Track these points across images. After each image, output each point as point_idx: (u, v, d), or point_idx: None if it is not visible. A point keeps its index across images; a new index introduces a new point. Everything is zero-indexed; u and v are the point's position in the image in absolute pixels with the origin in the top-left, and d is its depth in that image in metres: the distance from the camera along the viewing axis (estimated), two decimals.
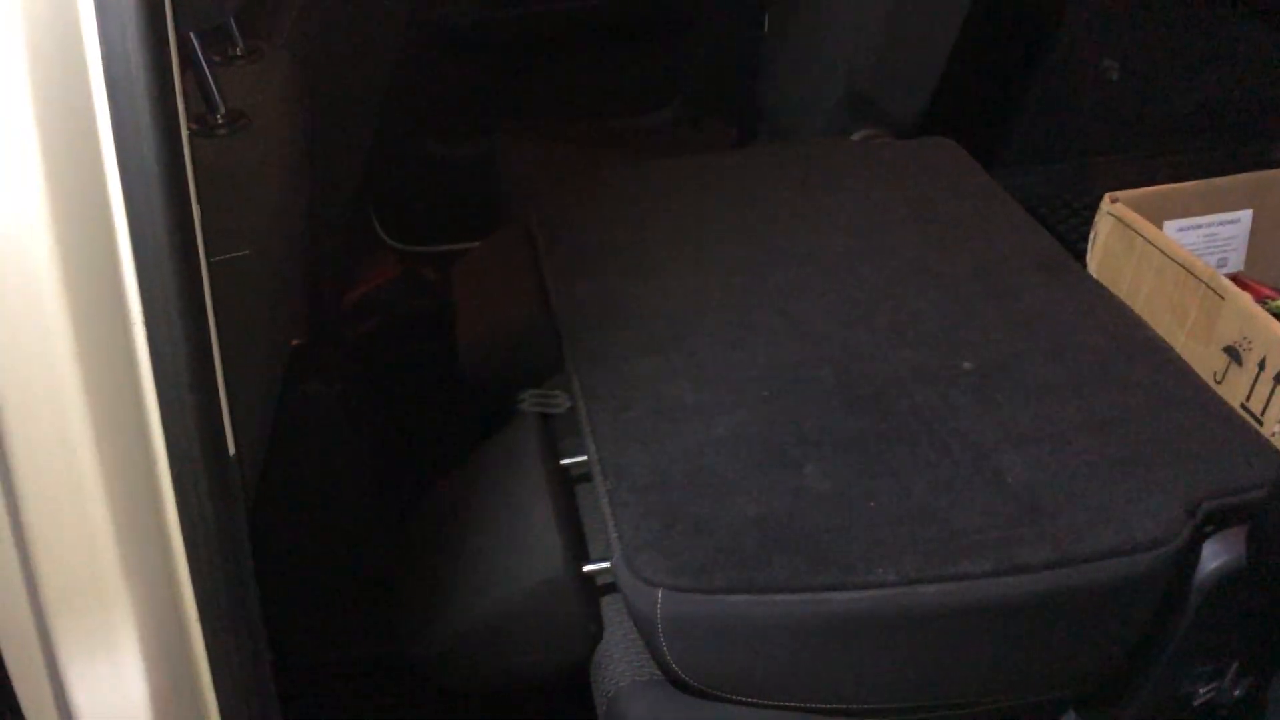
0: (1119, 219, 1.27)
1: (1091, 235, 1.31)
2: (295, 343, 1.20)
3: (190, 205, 0.54)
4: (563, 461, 1.17)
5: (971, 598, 0.92)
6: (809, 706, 0.97)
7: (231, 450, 0.60)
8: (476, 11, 1.93)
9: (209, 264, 0.61)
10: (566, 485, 1.15)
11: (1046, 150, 2.02)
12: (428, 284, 1.92)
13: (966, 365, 1.15)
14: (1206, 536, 0.97)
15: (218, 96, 1.09)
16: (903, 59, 1.67)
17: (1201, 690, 1.01)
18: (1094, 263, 1.31)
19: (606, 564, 1.01)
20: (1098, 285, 1.27)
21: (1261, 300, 1.21)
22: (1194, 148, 1.99)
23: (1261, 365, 1.08)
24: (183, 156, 0.53)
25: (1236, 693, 0.97)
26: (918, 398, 1.10)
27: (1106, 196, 1.29)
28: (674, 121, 2.09)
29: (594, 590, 1.06)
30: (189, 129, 1.07)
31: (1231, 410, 1.08)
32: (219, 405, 0.57)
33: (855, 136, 1.72)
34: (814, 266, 1.31)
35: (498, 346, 1.34)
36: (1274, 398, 1.07)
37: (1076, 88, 1.99)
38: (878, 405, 1.09)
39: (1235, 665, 0.99)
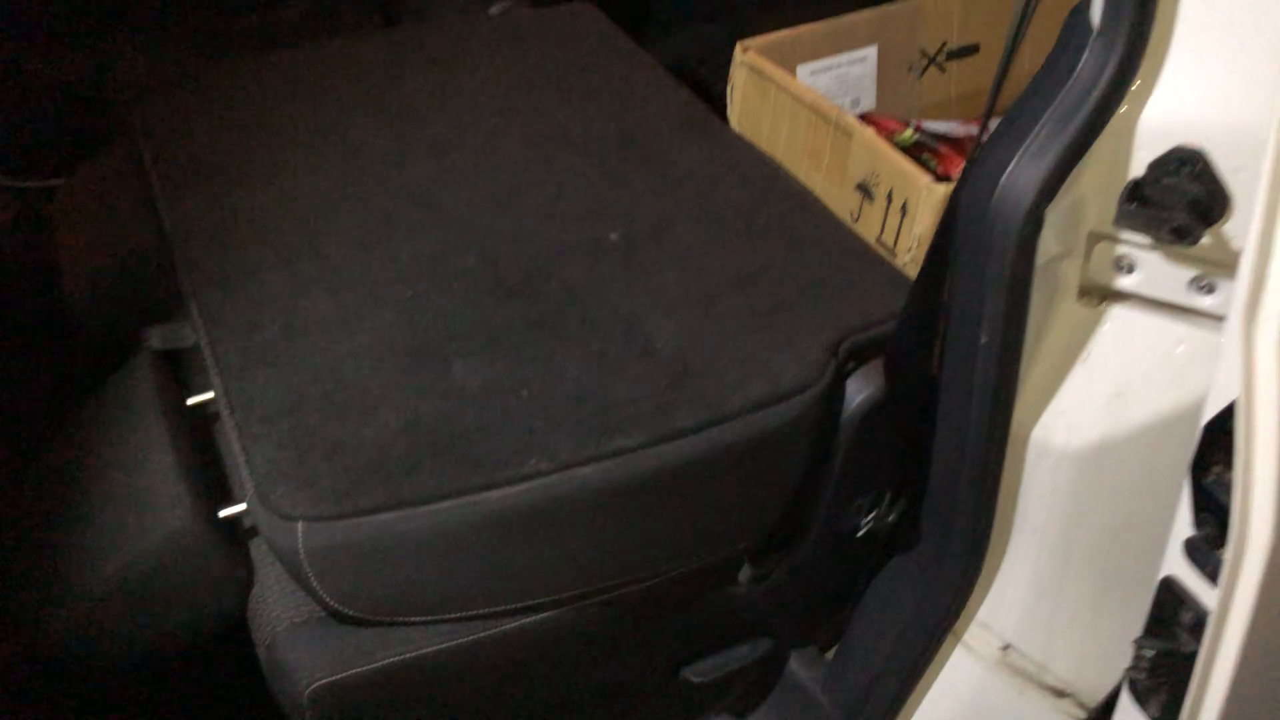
0: (753, 68, 1.26)
1: (729, 87, 1.29)
2: None
3: None
4: (192, 400, 1.05)
5: (629, 472, 0.89)
6: (482, 613, 0.92)
7: None
8: None
9: None
10: (198, 425, 1.03)
11: (699, 10, 1.99)
12: (46, 223, 1.69)
13: (613, 236, 1.11)
14: (850, 374, 0.98)
15: None
16: None
17: (863, 521, 1.04)
18: (734, 115, 1.30)
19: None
20: (739, 139, 1.25)
21: (889, 134, 1.24)
22: None
23: (889, 197, 1.10)
24: None
25: (890, 519, 1.00)
26: (566, 276, 1.06)
27: (739, 45, 1.27)
28: (308, 14, 1.92)
29: (239, 535, 0.97)
30: None
31: (867, 247, 1.10)
32: None
33: (494, 10, 1.63)
34: (456, 151, 1.23)
35: (108, 281, 1.19)
36: (903, 228, 1.09)
37: None
38: (527, 289, 1.04)
39: (889, 493, 1.02)
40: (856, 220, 1.15)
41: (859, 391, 0.97)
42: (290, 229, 1.11)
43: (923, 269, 0.91)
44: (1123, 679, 0.82)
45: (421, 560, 0.88)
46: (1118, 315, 0.86)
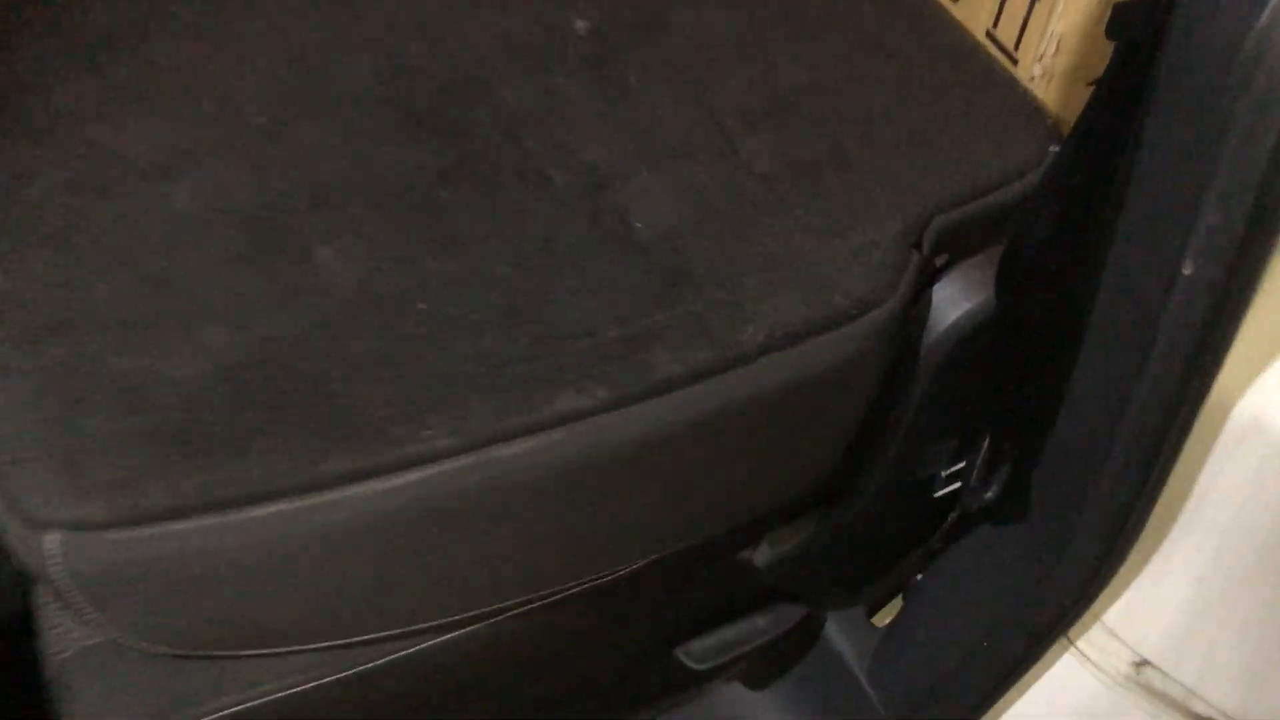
0: None
1: None
2: None
3: None
4: None
5: (580, 448, 0.56)
6: (353, 642, 0.62)
7: None
8: None
9: None
10: None
11: None
12: None
13: (578, 25, 0.73)
14: (940, 274, 0.62)
15: None
16: None
17: (944, 473, 0.71)
18: None
19: None
20: None
21: None
22: None
23: None
24: None
25: (989, 495, 0.67)
26: (504, 94, 0.69)
27: None
28: None
29: None
30: None
31: (976, 50, 0.71)
32: None
33: None
34: None
35: None
36: (1031, 20, 0.69)
37: None
38: (441, 119, 0.68)
39: (986, 442, 0.68)
40: (955, 1, 0.75)
41: (952, 304, 0.62)
42: (97, 10, 0.74)
43: (1084, 119, 0.53)
44: None
45: (260, 582, 0.57)
46: None
